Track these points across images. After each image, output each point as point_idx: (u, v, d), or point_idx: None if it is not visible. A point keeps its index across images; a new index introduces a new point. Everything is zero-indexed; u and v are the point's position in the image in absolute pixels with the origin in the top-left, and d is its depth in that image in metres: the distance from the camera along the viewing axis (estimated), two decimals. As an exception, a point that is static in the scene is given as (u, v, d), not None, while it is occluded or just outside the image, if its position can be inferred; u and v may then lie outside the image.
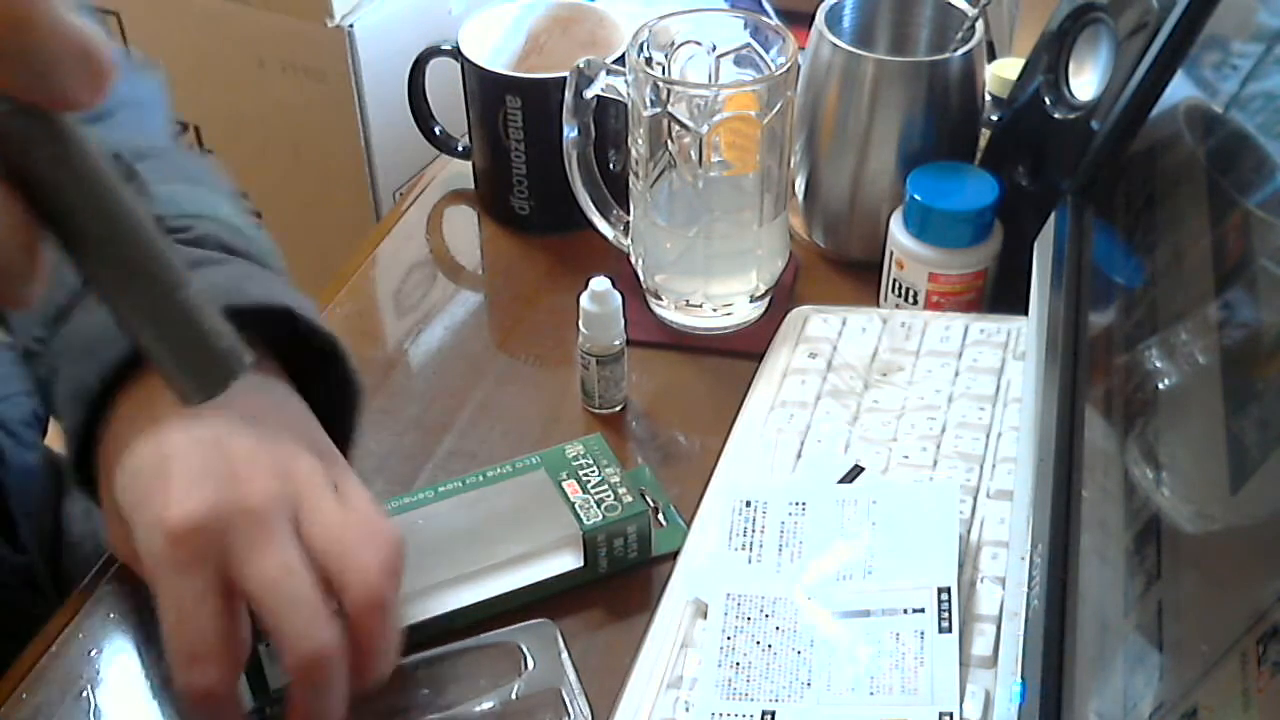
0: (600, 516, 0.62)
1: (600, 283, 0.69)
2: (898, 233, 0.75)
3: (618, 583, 0.64)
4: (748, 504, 0.63)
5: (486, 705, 0.56)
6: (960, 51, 0.76)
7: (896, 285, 0.76)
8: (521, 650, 0.58)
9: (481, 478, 0.65)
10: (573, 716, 0.56)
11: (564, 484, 0.64)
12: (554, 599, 0.63)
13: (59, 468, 0.80)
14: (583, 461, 0.65)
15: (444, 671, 0.58)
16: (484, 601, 0.61)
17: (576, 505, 0.63)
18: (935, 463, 0.65)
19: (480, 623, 0.61)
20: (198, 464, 0.49)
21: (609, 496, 0.63)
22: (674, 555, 0.64)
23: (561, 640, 0.59)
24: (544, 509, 0.63)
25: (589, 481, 0.64)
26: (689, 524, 0.65)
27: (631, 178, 0.75)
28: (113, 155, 0.56)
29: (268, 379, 0.56)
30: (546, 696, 0.57)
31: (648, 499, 0.66)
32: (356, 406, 0.60)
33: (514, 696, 0.56)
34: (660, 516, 0.66)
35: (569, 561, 0.62)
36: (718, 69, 0.75)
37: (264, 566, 0.47)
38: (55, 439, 0.83)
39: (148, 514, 0.48)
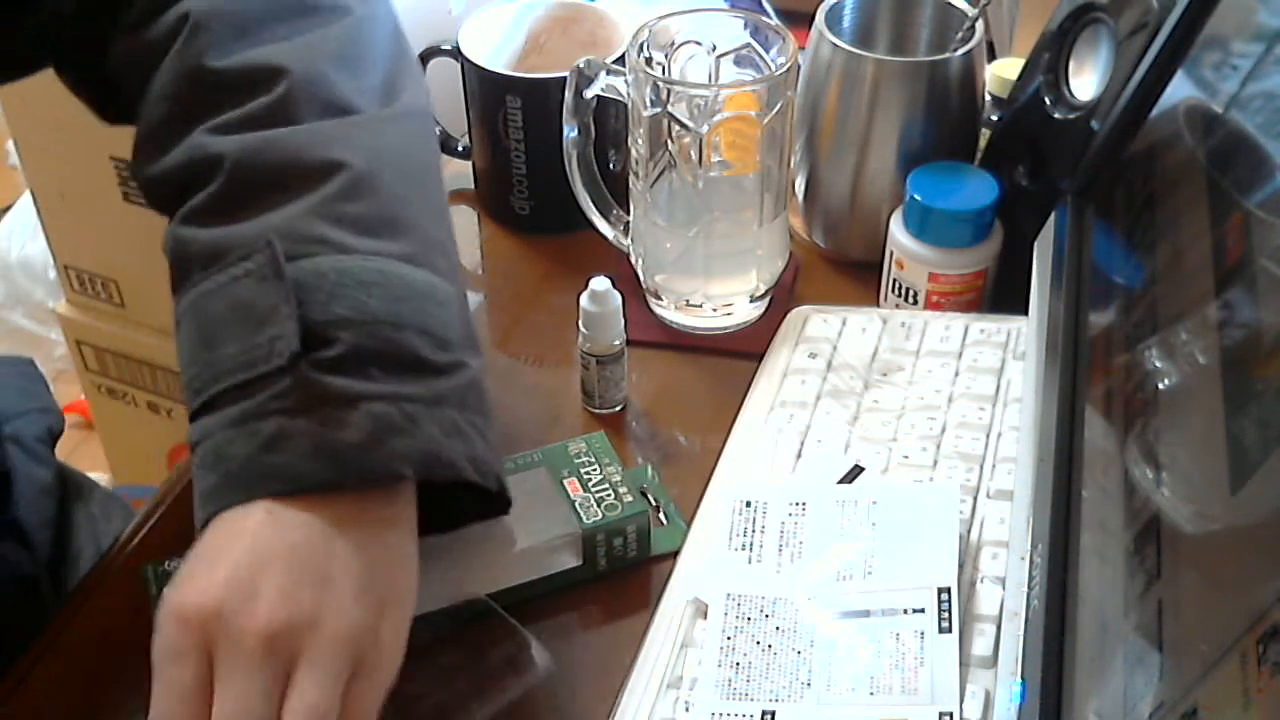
0: (600, 515, 0.62)
1: (600, 283, 0.69)
2: (898, 233, 0.75)
3: (617, 582, 0.64)
4: (748, 504, 0.63)
5: (457, 681, 0.56)
6: (960, 51, 0.76)
7: (896, 285, 0.76)
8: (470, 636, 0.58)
9: None
10: (536, 660, 0.57)
11: (565, 482, 0.64)
12: (554, 598, 0.63)
13: (65, 480, 0.81)
14: (584, 459, 0.65)
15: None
16: (481, 598, 0.61)
17: (576, 503, 0.63)
18: (935, 463, 0.65)
19: (477, 617, 0.61)
20: (230, 567, 0.48)
21: (609, 495, 0.63)
22: (674, 554, 0.64)
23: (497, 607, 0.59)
24: (544, 506, 0.63)
25: (590, 480, 0.64)
26: (689, 524, 0.65)
27: (631, 178, 0.75)
28: (266, 243, 0.53)
29: (391, 493, 0.53)
30: (506, 647, 0.57)
31: (649, 498, 0.66)
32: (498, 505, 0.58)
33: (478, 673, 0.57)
34: (661, 515, 0.67)
35: (568, 559, 0.63)
36: (718, 69, 0.75)
37: (229, 696, 0.46)
38: (64, 453, 0.84)
39: (171, 590, 0.48)
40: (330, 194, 0.55)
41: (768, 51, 0.73)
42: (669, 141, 0.72)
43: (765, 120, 0.70)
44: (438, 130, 0.63)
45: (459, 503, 0.57)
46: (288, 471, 0.50)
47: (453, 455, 0.53)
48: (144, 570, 0.61)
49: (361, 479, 0.51)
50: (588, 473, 0.65)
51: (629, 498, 0.63)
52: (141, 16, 0.60)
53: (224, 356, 0.52)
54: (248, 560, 0.48)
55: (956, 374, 0.70)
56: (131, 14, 0.61)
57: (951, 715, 0.53)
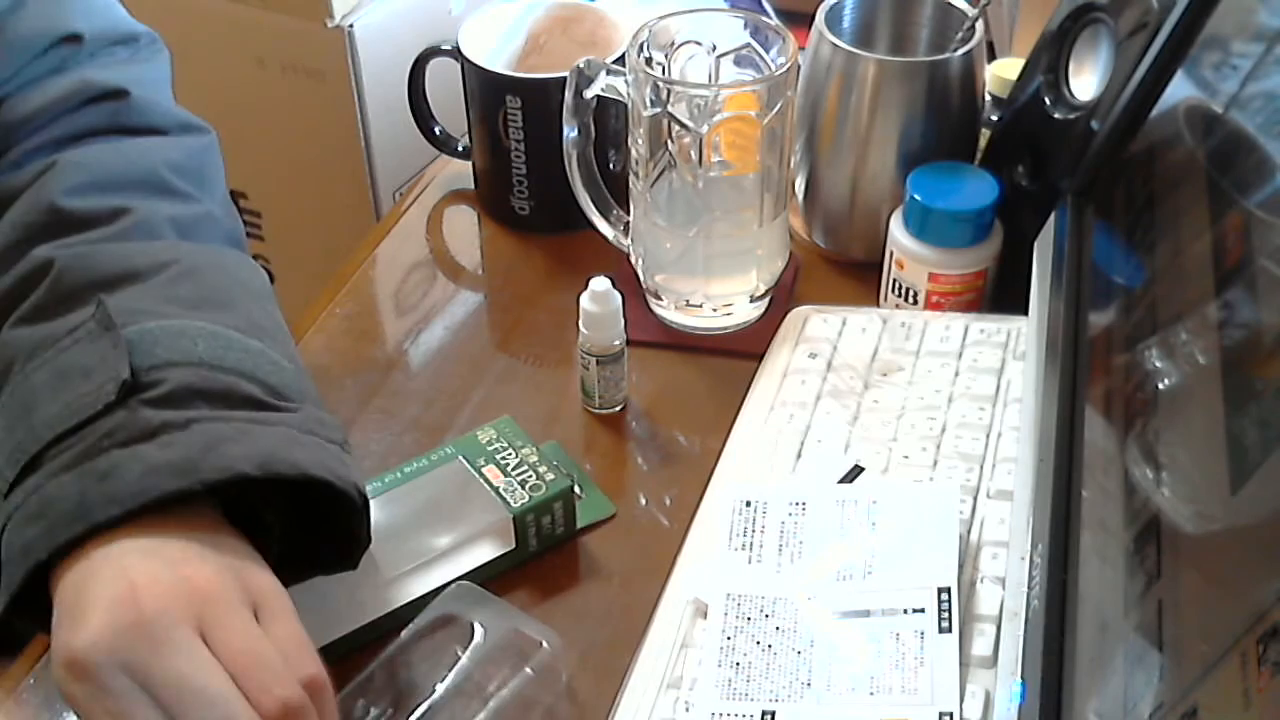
0: (526, 497, 0.62)
1: (600, 283, 0.69)
2: (898, 233, 0.75)
3: (618, 581, 0.64)
4: (748, 504, 0.63)
5: (458, 676, 0.56)
6: (960, 51, 0.76)
7: (896, 285, 0.76)
8: (459, 616, 0.58)
9: (399, 474, 0.65)
10: (543, 643, 0.56)
11: (484, 470, 0.64)
12: (551, 598, 0.63)
13: None
14: (498, 445, 0.65)
15: (399, 669, 0.57)
16: (420, 598, 0.60)
17: (500, 489, 0.63)
18: (935, 463, 0.65)
19: (469, 602, 0.61)
20: (102, 595, 0.48)
21: (531, 477, 0.63)
22: (600, 524, 0.66)
23: (488, 591, 0.59)
24: (467, 497, 0.63)
25: (508, 464, 0.64)
26: (689, 524, 0.65)
27: (631, 178, 0.75)
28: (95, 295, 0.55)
29: (200, 521, 0.53)
30: (511, 639, 0.57)
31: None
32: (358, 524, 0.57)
33: (481, 655, 0.56)
34: (577, 489, 0.67)
35: (500, 545, 0.63)
36: (718, 69, 0.75)
37: (166, 666, 0.46)
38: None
39: (57, 652, 0.48)
40: (157, 283, 0.57)
41: (768, 51, 0.73)
42: (669, 141, 0.72)
43: (765, 120, 0.70)
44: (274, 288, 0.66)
45: (318, 550, 0.56)
46: (123, 494, 0.50)
47: (295, 456, 0.53)
48: None
49: (201, 483, 0.51)
50: (504, 458, 0.65)
51: (550, 476, 0.63)
52: (7, 166, 0.63)
53: (48, 415, 0.52)
54: (103, 590, 0.48)
55: (956, 374, 0.70)
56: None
57: (951, 715, 0.53)
